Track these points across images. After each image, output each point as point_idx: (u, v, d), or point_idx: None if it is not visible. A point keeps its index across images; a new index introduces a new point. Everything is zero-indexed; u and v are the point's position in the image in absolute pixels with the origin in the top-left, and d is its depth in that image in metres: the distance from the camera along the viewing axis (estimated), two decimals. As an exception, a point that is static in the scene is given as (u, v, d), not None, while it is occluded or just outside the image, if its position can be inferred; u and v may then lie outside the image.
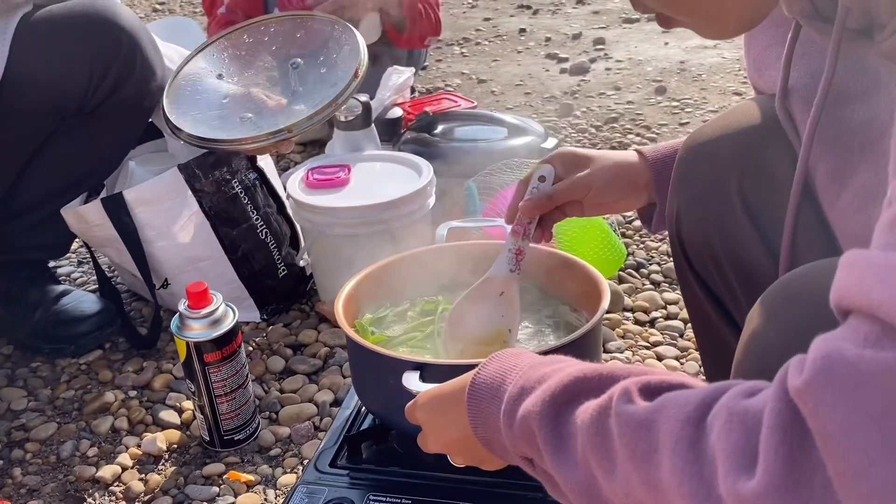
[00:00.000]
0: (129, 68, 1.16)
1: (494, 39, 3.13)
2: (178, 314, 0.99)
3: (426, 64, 2.69)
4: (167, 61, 1.24)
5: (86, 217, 1.23)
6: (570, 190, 0.80)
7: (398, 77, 1.67)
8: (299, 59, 1.20)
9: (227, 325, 0.99)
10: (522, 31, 3.19)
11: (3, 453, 1.07)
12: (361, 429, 0.93)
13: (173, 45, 1.30)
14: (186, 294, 0.97)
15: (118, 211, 1.20)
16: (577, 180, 0.80)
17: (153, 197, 1.22)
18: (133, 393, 1.18)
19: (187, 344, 0.97)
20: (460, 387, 0.58)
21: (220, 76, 1.19)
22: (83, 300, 1.30)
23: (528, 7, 3.55)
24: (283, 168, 1.77)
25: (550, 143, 1.51)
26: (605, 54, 2.73)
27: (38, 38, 1.13)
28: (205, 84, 1.18)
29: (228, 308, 1.01)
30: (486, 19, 3.45)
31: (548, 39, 3.01)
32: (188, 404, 1.13)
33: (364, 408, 0.96)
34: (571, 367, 0.50)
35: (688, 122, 2.08)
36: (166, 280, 1.28)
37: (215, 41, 1.23)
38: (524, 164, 1.37)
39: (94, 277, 1.49)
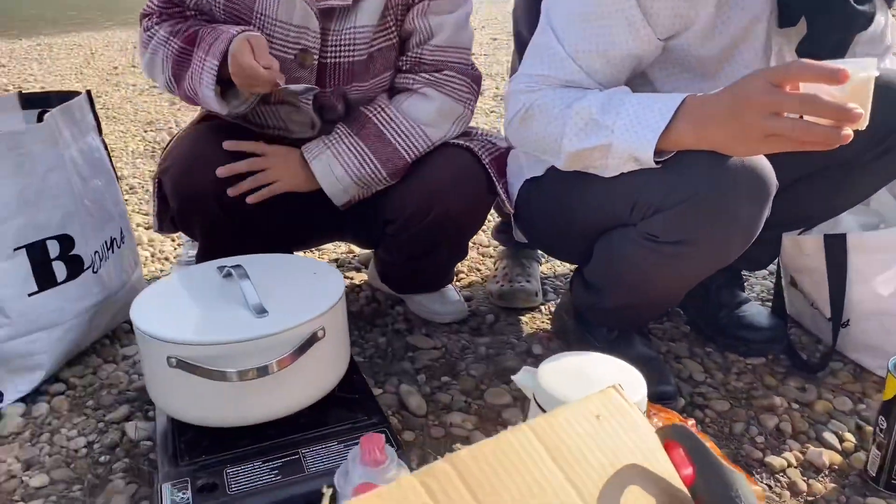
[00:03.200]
0: None
1: None
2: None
3: None
4: None
5: (802, 245, 1.42)
6: None
7: None
8: None
9: (945, 383, 1.05)
10: None
11: (687, 410, 1.33)
12: None
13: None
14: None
15: (837, 250, 1.35)
16: None
17: (873, 247, 1.33)
18: (796, 406, 1.33)
19: (902, 385, 1.07)
20: None
21: None
22: (759, 313, 1.51)
23: None
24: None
25: None
26: None
27: None
28: None
29: (950, 368, 1.07)
30: None
31: None
32: (849, 437, 1.24)
33: None
34: None
35: None
36: (848, 320, 1.40)
37: None
38: None
39: (753, 294, 1.71)
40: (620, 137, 1.06)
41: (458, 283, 1.82)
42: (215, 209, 1.32)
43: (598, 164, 1.12)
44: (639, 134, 1.05)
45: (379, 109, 1.38)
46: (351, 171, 1.35)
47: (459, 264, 1.91)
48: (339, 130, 1.38)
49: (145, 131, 3.34)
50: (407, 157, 1.36)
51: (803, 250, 1.42)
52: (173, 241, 2.10)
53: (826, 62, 0.91)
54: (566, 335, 1.48)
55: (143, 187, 2.58)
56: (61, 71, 5.02)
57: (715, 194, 1.07)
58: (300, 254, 1.90)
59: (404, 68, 1.41)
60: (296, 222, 1.48)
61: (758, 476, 1.18)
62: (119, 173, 2.29)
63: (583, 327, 1.41)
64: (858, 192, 1.36)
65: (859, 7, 1.10)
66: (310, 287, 1.15)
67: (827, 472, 1.18)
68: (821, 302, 1.43)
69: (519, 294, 1.66)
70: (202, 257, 1.46)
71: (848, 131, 0.90)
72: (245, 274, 1.13)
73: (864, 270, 1.35)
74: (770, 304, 1.61)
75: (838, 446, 1.23)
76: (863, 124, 0.92)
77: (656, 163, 1.06)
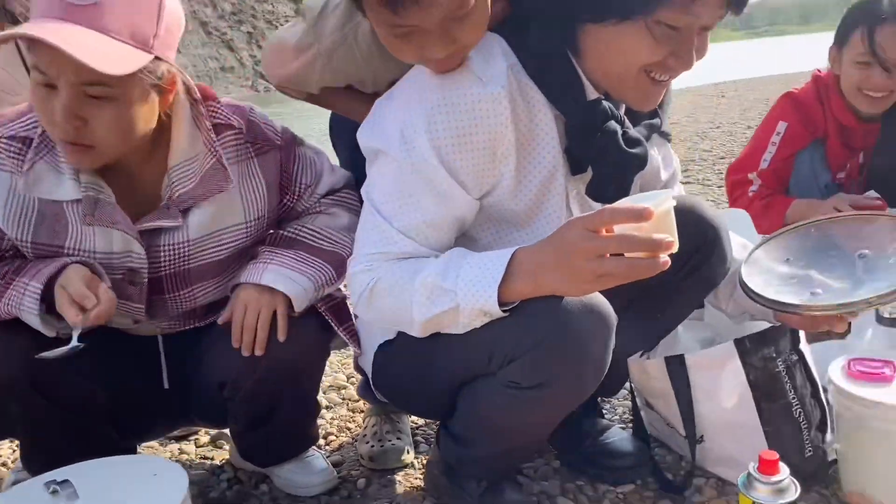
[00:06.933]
0: (708, 257, 1.38)
1: None
2: (746, 474, 1.13)
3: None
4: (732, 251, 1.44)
5: (648, 370, 1.48)
6: None
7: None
8: (867, 251, 1.30)
9: (790, 496, 1.09)
10: None
11: (565, 552, 1.31)
12: None
13: (735, 236, 1.51)
14: (759, 459, 1.11)
15: (678, 370, 1.42)
16: None
17: (710, 364, 1.41)
18: (668, 531, 1.34)
19: (753, 503, 1.10)
20: None
21: (787, 260, 1.36)
22: (622, 438, 1.54)
23: None
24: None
25: None
26: None
27: None
28: (773, 265, 1.36)
29: (792, 482, 1.11)
30: None
31: None
32: (722, 557, 1.25)
33: None
34: None
35: None
36: (702, 436, 1.45)
37: (785, 232, 1.41)
38: None
39: (616, 416, 1.75)
40: (465, 298, 1.10)
41: (327, 447, 1.75)
42: (29, 394, 1.21)
43: (451, 325, 1.15)
44: (480, 291, 1.09)
45: (298, 228, 1.40)
46: (301, 271, 1.33)
47: (327, 424, 1.85)
48: (267, 251, 1.37)
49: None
50: (344, 254, 1.36)
51: (649, 374, 1.48)
52: (11, 443, 1.91)
53: (629, 203, 0.99)
54: (438, 491, 1.44)
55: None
56: None
57: (564, 335, 1.11)
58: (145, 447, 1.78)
59: (299, 209, 1.44)
60: (131, 410, 1.38)
61: None
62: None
63: (454, 482, 1.38)
64: (680, 310, 1.45)
65: (632, 151, 1.22)
66: (147, 493, 1.07)
67: None
68: (675, 421, 1.48)
69: (390, 454, 1.62)
70: (28, 462, 1.34)
71: (665, 258, 0.98)
72: (74, 492, 1.04)
73: (705, 386, 1.42)
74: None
75: (713, 569, 1.24)
76: (674, 248, 0.99)
77: (505, 312, 1.10)
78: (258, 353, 1.29)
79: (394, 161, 1.16)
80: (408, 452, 1.64)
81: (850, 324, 1.69)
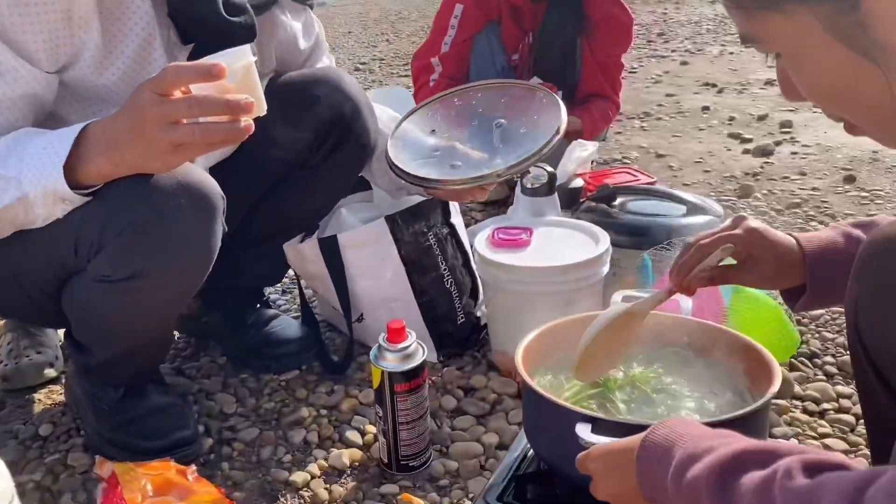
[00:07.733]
0: (349, 132, 1.33)
1: (676, 115, 3.17)
2: (377, 345, 1.13)
3: (605, 137, 2.79)
4: (380, 124, 1.41)
5: (303, 253, 1.42)
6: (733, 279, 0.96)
7: (582, 151, 1.77)
8: (503, 120, 1.34)
9: (416, 360, 1.11)
10: (706, 108, 3.21)
11: (216, 449, 1.25)
12: (528, 471, 1.01)
13: (387, 109, 1.49)
14: (387, 328, 1.11)
15: (331, 251, 1.38)
16: (742, 277, 0.95)
17: (362, 241, 1.39)
18: (324, 411, 1.33)
19: (382, 372, 1.11)
20: (631, 446, 0.66)
21: (433, 132, 1.35)
22: (289, 326, 1.50)
23: (713, 85, 3.58)
24: (466, 225, 1.91)
25: (729, 224, 1.53)
26: (792, 138, 2.70)
27: (276, 100, 1.33)
28: (420, 137, 1.35)
29: (419, 346, 1.13)
30: (669, 95, 3.51)
31: (731, 119, 3.02)
32: (371, 428, 1.27)
33: (530, 453, 1.04)
34: (738, 441, 0.56)
35: (877, 214, 2.02)
36: (362, 315, 1.44)
37: (430, 102, 1.40)
38: (701, 242, 1.41)
39: (296, 305, 1.71)
40: (32, 185, 0.93)
41: (-44, 373, 1.52)
42: None
43: (28, 219, 0.98)
44: (46, 174, 0.93)
45: None
46: None
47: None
48: None
49: None
50: None
51: (305, 257, 1.43)
52: None
53: (202, 60, 0.88)
54: (77, 405, 1.30)
55: None
56: None
57: (154, 218, 0.99)
58: None
59: None
60: None
61: (283, 499, 1.14)
62: None
63: (89, 391, 1.24)
64: (332, 191, 1.41)
65: (234, 19, 1.11)
66: None
67: (349, 472, 1.19)
68: (335, 302, 1.46)
69: (27, 371, 1.43)
70: None
71: (248, 122, 0.89)
72: None
73: (360, 265, 1.40)
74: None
75: (360, 441, 1.25)
76: (260, 111, 0.91)
77: (85, 196, 0.95)
78: None
79: None
80: (51, 366, 1.46)
81: (513, 192, 1.77)
